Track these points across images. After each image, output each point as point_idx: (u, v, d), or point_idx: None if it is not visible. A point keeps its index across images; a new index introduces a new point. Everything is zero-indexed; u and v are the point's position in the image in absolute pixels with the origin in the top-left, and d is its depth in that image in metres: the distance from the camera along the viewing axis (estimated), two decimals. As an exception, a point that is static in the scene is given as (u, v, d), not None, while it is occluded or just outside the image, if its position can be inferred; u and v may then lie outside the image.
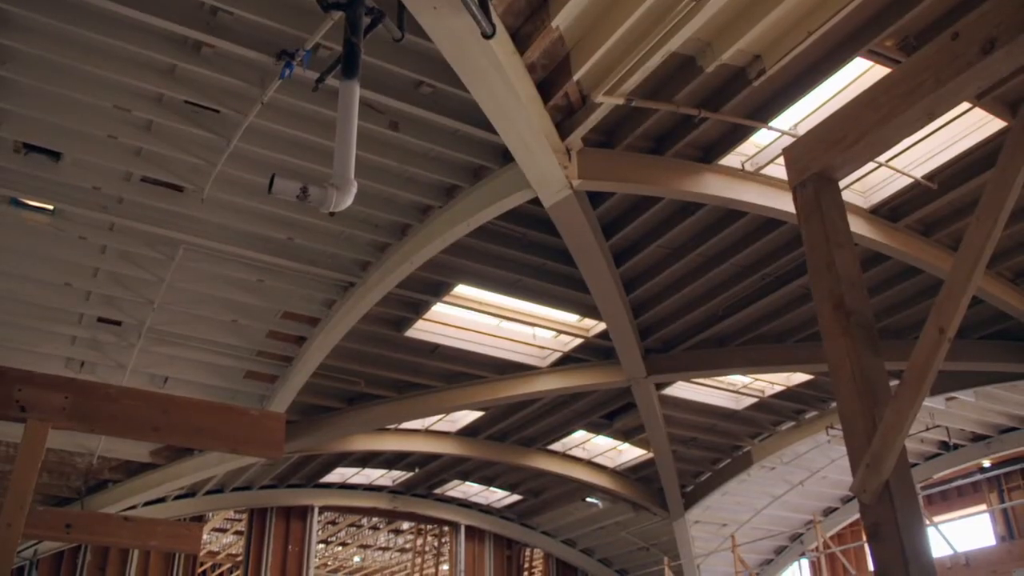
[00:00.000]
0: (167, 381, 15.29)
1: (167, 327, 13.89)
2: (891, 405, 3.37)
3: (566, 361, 16.54)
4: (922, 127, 3.90)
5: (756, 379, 18.21)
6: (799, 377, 17.80)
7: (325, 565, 31.49)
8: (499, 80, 8.75)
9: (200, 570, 26.29)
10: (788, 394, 18.51)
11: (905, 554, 3.28)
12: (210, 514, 22.70)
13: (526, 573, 27.54)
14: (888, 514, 3.31)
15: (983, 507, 21.92)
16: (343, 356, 15.27)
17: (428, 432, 19.58)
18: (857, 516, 23.49)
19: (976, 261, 3.47)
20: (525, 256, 13.44)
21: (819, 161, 3.99)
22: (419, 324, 14.98)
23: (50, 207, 11.24)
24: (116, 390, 6.49)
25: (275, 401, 15.52)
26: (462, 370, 16.38)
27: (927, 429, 18.79)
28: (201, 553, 25.35)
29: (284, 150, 10.65)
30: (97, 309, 13.36)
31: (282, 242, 12.38)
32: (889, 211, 12.31)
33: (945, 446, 20.57)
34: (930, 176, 11.54)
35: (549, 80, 9.49)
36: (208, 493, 20.34)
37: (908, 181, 11.66)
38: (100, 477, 17.88)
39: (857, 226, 11.80)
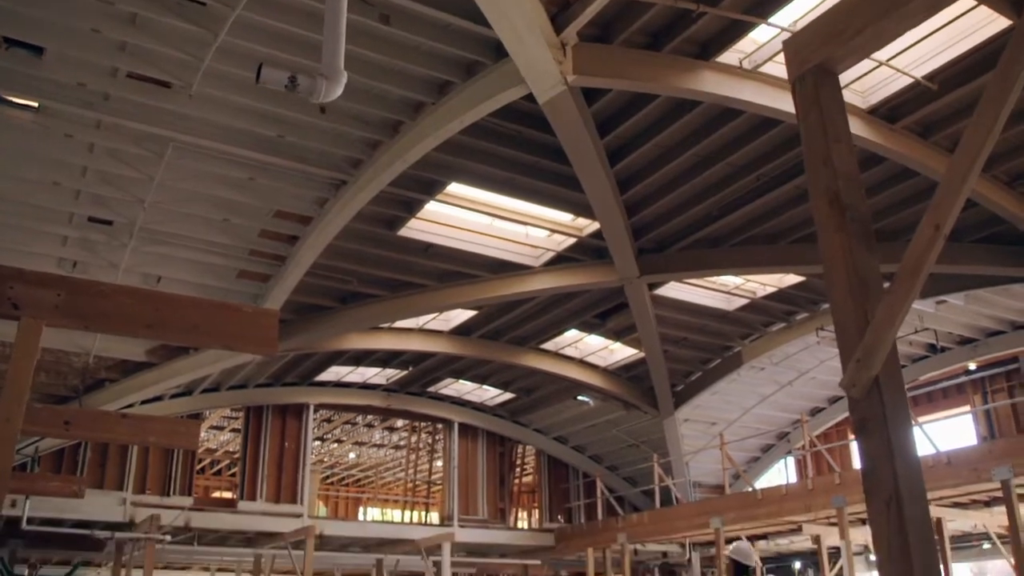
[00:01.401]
0: (160, 281, 15.29)
1: (158, 226, 13.81)
2: (884, 301, 3.38)
3: (559, 261, 16.56)
4: (924, 20, 3.80)
5: (748, 280, 18.30)
6: (791, 279, 17.89)
7: (321, 462, 32.13)
8: (492, -30, 8.52)
9: (199, 467, 26.83)
10: (779, 295, 18.62)
11: (891, 448, 3.32)
12: (207, 412, 23.02)
13: (518, 469, 28.14)
14: (876, 409, 3.34)
15: (967, 408, 22.32)
16: (336, 255, 15.26)
17: (422, 331, 19.73)
18: (843, 416, 23.94)
19: (974, 158, 3.43)
20: (519, 154, 13.32)
21: (819, 53, 3.90)
22: (412, 223, 14.94)
23: (34, 104, 11.02)
24: (109, 287, 6.45)
25: (269, 300, 15.56)
26: (455, 269, 16.41)
27: (916, 332, 18.98)
28: (199, 450, 25.80)
29: (273, 44, 10.40)
30: (87, 208, 13.24)
31: (272, 139, 12.21)
32: (888, 111, 12.18)
33: (933, 348, 20.83)
34: (930, 76, 11.38)
35: (544, -30, 9.26)
36: (204, 392, 20.58)
37: (908, 81, 11.50)
38: (97, 376, 18.03)
39: (855, 127, 11.63)
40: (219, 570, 26.87)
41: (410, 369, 22.13)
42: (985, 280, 16.24)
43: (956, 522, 18.38)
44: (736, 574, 8.95)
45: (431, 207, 14.63)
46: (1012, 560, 15.42)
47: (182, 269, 15.16)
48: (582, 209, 14.70)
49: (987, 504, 17.66)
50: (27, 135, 11.57)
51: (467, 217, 15.29)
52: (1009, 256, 15.18)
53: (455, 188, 14.15)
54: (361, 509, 36.41)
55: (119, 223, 13.57)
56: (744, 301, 19.00)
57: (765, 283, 18.31)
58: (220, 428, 27.88)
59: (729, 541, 20.72)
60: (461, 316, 19.33)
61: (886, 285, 3.55)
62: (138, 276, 14.94)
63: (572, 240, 16.00)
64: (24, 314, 5.52)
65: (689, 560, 25.01)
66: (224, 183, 13.07)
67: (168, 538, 19.21)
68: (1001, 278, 15.97)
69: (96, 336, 15.72)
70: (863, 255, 3.56)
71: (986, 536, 19.20)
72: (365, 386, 23.26)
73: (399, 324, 19.17)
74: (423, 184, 13.80)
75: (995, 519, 17.47)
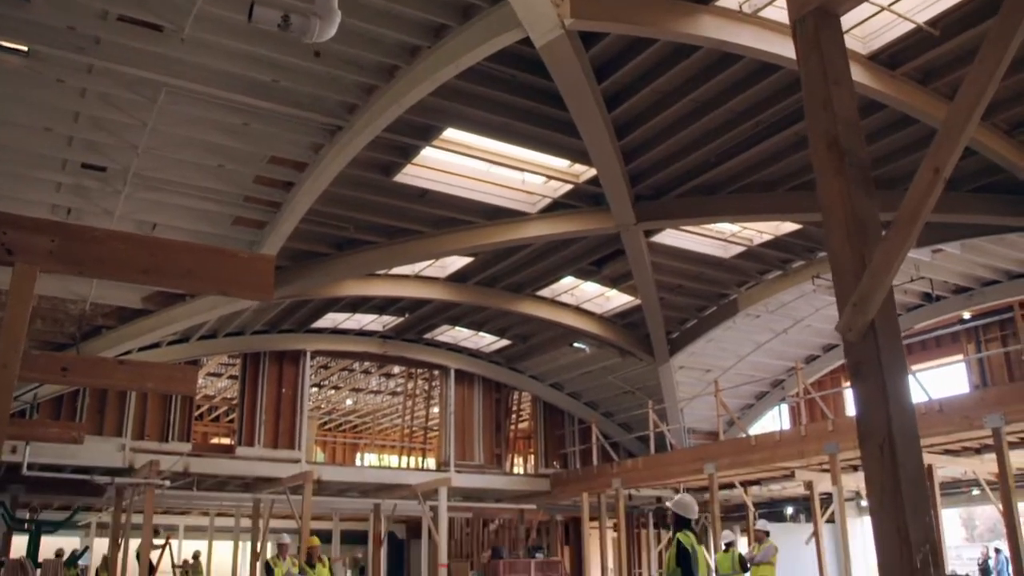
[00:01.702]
0: (155, 228, 15.23)
1: (152, 172, 13.71)
2: (882, 245, 3.37)
3: (555, 207, 16.51)
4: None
5: (745, 228, 18.27)
6: (788, 226, 17.86)
7: (318, 408, 32.33)
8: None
9: (197, 413, 26.99)
10: (776, 243, 18.61)
11: (886, 392, 3.34)
12: (204, 359, 23.09)
13: (514, 416, 28.35)
14: (871, 353, 3.35)
15: (960, 357, 22.45)
16: (332, 202, 15.20)
17: (418, 277, 19.73)
18: (837, 363, 24.12)
19: (975, 103, 3.39)
20: (515, 99, 13.19)
21: (821, -6, 3.85)
22: (408, 169, 14.84)
23: (24, 48, 10.85)
24: (103, 232, 6.41)
25: (264, 247, 15.52)
26: (451, 215, 16.36)
27: (911, 280, 19.01)
28: (197, 396, 25.94)
29: (266, -14, 10.22)
30: (80, 155, 13.13)
31: (266, 84, 12.07)
32: (888, 57, 12.06)
33: (928, 297, 20.89)
34: (932, 22, 11.25)
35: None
36: (201, 338, 20.63)
37: (910, 27, 11.36)
38: (94, 323, 18.05)
39: (855, 73, 11.43)
40: (218, 515, 27.16)
41: (406, 316, 22.17)
42: (982, 229, 16.23)
43: (946, 469, 18.60)
44: (677, 525, 8.89)
45: (427, 153, 14.52)
46: (1000, 506, 15.63)
47: (177, 216, 15.09)
48: (579, 155, 14.62)
49: (977, 451, 17.86)
50: (18, 80, 11.42)
51: (463, 163, 15.20)
52: (1006, 205, 15.15)
53: (451, 134, 14.04)
54: (358, 455, 36.73)
55: (113, 169, 13.47)
56: (740, 249, 18.99)
57: (762, 231, 18.29)
58: (218, 375, 27.99)
59: (723, 487, 21.03)
60: (457, 263, 19.32)
61: (884, 233, 3.54)
62: (133, 223, 14.87)
63: (569, 187, 15.93)
64: (18, 260, 5.49)
65: (683, 505, 25.32)
66: (218, 128, 12.95)
67: (167, 483, 19.38)
68: (998, 227, 15.95)
69: (92, 283, 15.70)
70: (861, 200, 3.54)
71: (976, 483, 19.45)
72: (361, 333, 23.32)
73: (395, 271, 19.16)
74: (419, 130, 13.69)
75: (985, 466, 17.67)
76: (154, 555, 21.56)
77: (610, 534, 25.14)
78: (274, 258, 6.74)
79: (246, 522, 24.28)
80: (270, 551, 22.85)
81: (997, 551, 23.82)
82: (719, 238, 18.72)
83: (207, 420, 33.00)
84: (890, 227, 3.38)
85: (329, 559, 18.08)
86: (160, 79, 11.55)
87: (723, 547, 15.91)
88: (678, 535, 8.62)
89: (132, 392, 20.01)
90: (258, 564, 22.19)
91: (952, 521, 31.02)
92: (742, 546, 16.89)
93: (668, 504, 9.43)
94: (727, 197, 16.05)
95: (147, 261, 6.12)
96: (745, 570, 15.34)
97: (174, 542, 27.11)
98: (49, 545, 20.59)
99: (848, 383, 22.96)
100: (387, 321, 22.68)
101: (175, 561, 26.36)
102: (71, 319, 17.52)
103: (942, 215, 15.20)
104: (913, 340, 22.88)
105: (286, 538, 14.62)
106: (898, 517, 3.21)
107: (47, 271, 5.67)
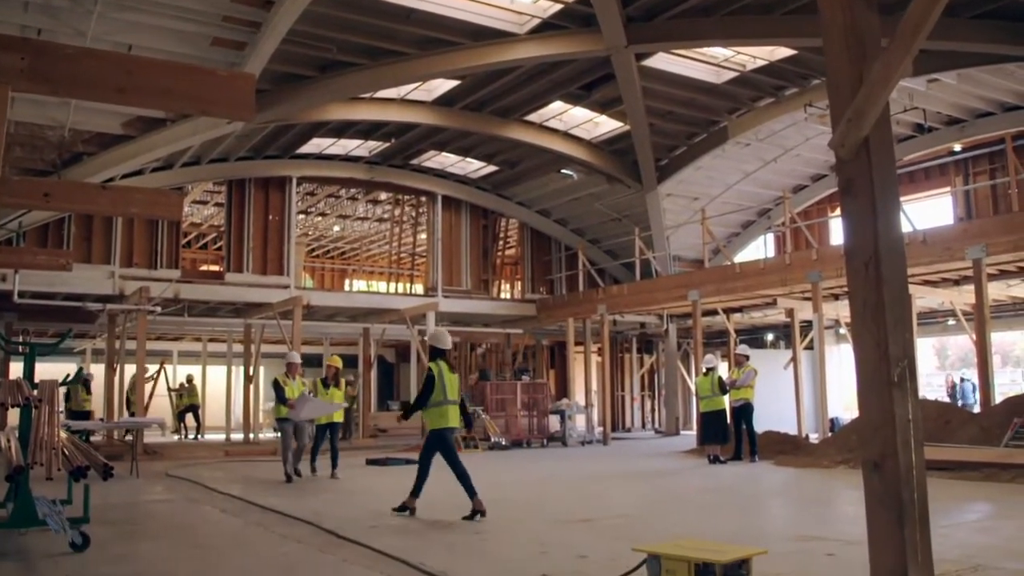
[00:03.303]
0: (131, 50, 14.71)
1: (124, -12, 13.13)
2: (880, 59, 3.26)
3: (544, 28, 16.05)
4: None
5: (738, 52, 17.83)
6: (782, 51, 17.45)
7: (306, 235, 32.36)
8: None
9: (184, 241, 27.01)
10: (770, 69, 18.24)
11: (875, 209, 3.32)
12: (189, 186, 22.90)
13: (501, 242, 28.52)
14: (863, 169, 3.31)
15: (947, 189, 22.45)
16: (314, 21, 14.69)
17: (403, 101, 19.35)
18: (824, 194, 24.17)
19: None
20: (503, -88, 12.56)
21: None
22: (392, -13, 14.28)
23: None
24: (76, 50, 6.17)
25: (245, 68, 15.06)
26: (438, 36, 15.88)
27: (904, 110, 18.77)
28: (184, 224, 25.87)
29: None
30: (46, -32, 12.52)
31: None
32: None
33: (920, 128, 20.69)
34: None
35: None
36: (185, 165, 20.37)
37: None
38: (74, 150, 17.72)
39: None
40: (211, 340, 27.69)
41: (392, 141, 21.88)
42: (980, 58, 15.89)
43: (925, 299, 18.97)
44: (432, 355, 9.58)
45: (411, -31, 13.94)
46: (973, 336, 16.04)
47: (154, 37, 14.55)
48: (569, -27, 14.07)
49: (956, 283, 18.19)
50: None
51: (449, -20, 14.63)
52: (1007, 33, 14.74)
53: (436, -52, 13.44)
54: (347, 281, 37.09)
55: (82, -15, 12.87)
56: (733, 74, 18.62)
57: (756, 56, 17.85)
58: (203, 202, 27.83)
59: (706, 314, 21.45)
60: (444, 86, 18.92)
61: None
62: (107, 45, 14.33)
63: (558, 6, 15.44)
64: (-12, 78, 5.31)
65: (666, 331, 25.93)
66: (191, -59, 12.32)
67: (158, 309, 19.62)
68: (996, 56, 15.61)
69: (70, 108, 15.33)
70: (862, 10, 3.41)
71: (951, 313, 19.89)
72: (347, 158, 23.08)
73: (380, 94, 18.77)
74: (402, -56, 13.08)
75: (962, 297, 18.04)
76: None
77: (594, 358, 25.84)
78: (254, 76, 6.55)
79: (239, 348, 24.76)
80: (263, 375, 23.43)
81: (962, 379, 24.99)
82: (711, 63, 18.32)
83: (195, 247, 33.07)
84: (891, 40, 3.27)
85: (347, 383, 18.49)
86: None
87: (704, 371, 16.36)
88: (430, 363, 9.41)
89: (118, 219, 19.91)
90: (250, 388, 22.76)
91: (926, 350, 31.98)
92: (723, 371, 17.37)
93: (426, 337, 10.14)
94: (721, 19, 15.58)
95: (122, 80, 5.93)
96: (724, 392, 15.84)
97: (168, 367, 27.79)
98: (48, 374, 21.06)
99: (834, 213, 23.13)
100: (373, 146, 22.40)
101: (170, 385, 27.11)
102: (50, 146, 17.19)
103: (940, 42, 14.85)
104: (902, 171, 22.81)
105: (296, 357, 14.26)
106: (879, 332, 3.25)
107: (19, 91, 5.50)
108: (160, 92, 6.02)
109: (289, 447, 13.30)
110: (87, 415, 21.40)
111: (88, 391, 22.08)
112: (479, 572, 5.90)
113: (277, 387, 13.41)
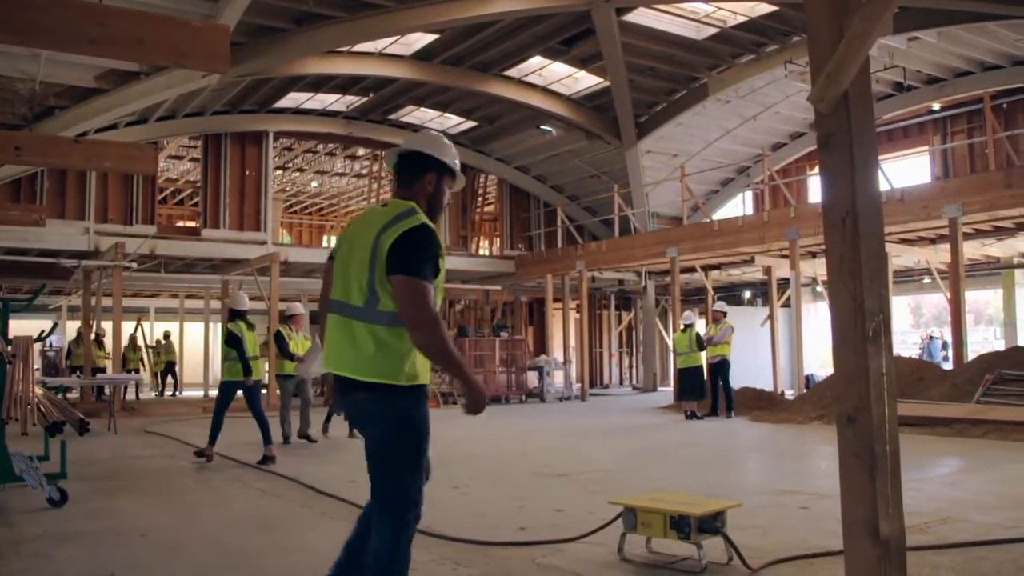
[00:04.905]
0: (101, 1, 14.41)
1: (94, -64, 12.81)
2: (860, 12, 3.23)
3: (524, -19, 15.84)
4: None
5: (720, 8, 17.73)
6: (763, 7, 17.37)
7: (283, 191, 32.09)
8: None
9: (160, 196, 26.71)
10: (750, 25, 18.15)
11: (854, 164, 3.31)
12: (164, 141, 22.60)
13: (480, 198, 28.41)
14: (842, 124, 3.29)
15: (925, 148, 22.51)
16: (289, -27, 14.44)
17: (381, 55, 19.14)
18: (803, 152, 24.20)
19: None
20: None
21: None
22: (369, -62, 14.04)
23: None
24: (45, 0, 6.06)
25: (220, 21, 14.81)
26: (415, -10, 15.67)
27: (884, 68, 18.75)
28: (159, 179, 25.58)
29: None
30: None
31: None
32: None
33: (899, 87, 20.67)
34: None
35: None
36: (160, 119, 20.11)
37: None
38: (45, 104, 17.42)
39: None
40: (188, 297, 27.54)
41: (370, 95, 21.67)
42: (961, 16, 15.84)
43: (901, 258, 19.10)
44: (231, 316, 10.40)
45: (389, -80, 13.70)
46: (948, 294, 16.19)
47: (124, -14, 14.26)
48: (550, -75, 13.87)
49: (932, 242, 18.29)
50: None
51: (427, -68, 14.39)
52: (989, -13, 14.71)
53: (414, -101, 13.19)
54: (325, 237, 36.88)
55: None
56: (714, 30, 18.52)
57: (736, 11, 17.76)
58: (179, 157, 27.50)
59: (684, 271, 21.52)
60: (422, 40, 18.71)
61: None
62: (77, -6, 14.07)
63: (538, -40, 15.22)
64: (-46, 26, 5.20)
65: (644, 288, 26.02)
66: None
67: (134, 265, 19.46)
68: (978, 14, 15.57)
69: (40, 60, 15.02)
70: (844, -37, 3.37)
71: (927, 272, 20.05)
72: (325, 113, 22.85)
73: (358, 48, 18.55)
74: None
75: (938, 256, 18.16)
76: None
77: (572, 315, 25.91)
78: (228, 28, 6.44)
79: (216, 304, 24.63)
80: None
81: (931, 337, 25.44)
82: (692, 18, 18.20)
83: (172, 203, 32.73)
84: (872, -8, 3.24)
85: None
86: None
87: (682, 327, 16.44)
88: (229, 325, 10.21)
89: (92, 174, 19.66)
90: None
91: (901, 308, 32.27)
92: (700, 327, 17.47)
93: (226, 301, 11.14)
94: (703, -27, 15.45)
95: (94, 30, 5.83)
96: (702, 349, 15.94)
97: (145, 324, 27.64)
98: (23, 331, 20.84)
99: (812, 171, 23.13)
100: (351, 101, 22.17)
101: (147, 341, 26.97)
102: (21, 99, 16.87)
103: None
104: (881, 130, 22.84)
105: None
106: (855, 287, 3.26)
107: (-14, 41, 5.38)
108: (133, 43, 5.93)
109: (288, 406, 12.27)
110: (102, 372, 20.92)
111: (101, 347, 21.61)
112: (457, 525, 5.94)
113: (280, 340, 12.04)
